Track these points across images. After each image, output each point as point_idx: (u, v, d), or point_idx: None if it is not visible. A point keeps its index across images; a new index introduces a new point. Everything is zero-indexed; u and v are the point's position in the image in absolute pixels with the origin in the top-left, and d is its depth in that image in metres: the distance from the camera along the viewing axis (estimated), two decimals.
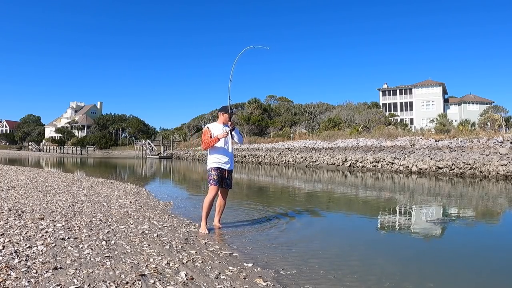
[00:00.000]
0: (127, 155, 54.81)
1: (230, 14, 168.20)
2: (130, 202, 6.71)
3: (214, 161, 4.63)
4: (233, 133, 4.65)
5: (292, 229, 4.88)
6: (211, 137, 4.60)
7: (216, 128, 4.68)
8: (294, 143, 29.72)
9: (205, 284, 2.69)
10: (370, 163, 18.71)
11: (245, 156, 31.81)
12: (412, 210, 6.91)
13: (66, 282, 2.51)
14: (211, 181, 4.56)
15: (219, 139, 4.54)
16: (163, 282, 2.64)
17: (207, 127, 4.70)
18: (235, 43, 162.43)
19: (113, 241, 3.68)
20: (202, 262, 3.21)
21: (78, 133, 78.32)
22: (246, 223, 5.22)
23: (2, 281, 2.43)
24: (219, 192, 4.71)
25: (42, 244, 3.37)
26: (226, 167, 4.66)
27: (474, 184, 11.38)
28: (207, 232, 4.47)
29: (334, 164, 20.88)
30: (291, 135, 36.96)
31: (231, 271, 3.04)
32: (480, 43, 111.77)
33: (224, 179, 4.68)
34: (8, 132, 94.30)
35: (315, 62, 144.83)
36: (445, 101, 51.89)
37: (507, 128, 28.76)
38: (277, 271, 3.10)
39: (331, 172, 17.91)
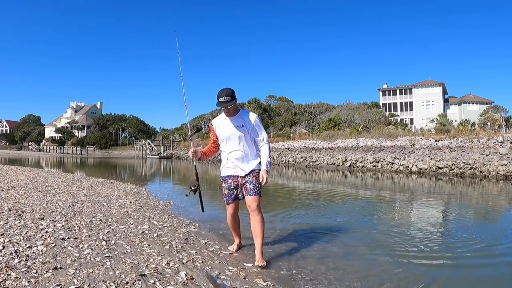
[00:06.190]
0: (127, 155, 54.77)
1: (230, 15, 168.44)
2: (130, 202, 6.71)
3: (223, 165, 3.52)
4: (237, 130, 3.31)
5: (292, 229, 4.88)
6: (212, 138, 3.55)
7: (223, 124, 3.42)
8: (294, 143, 29.71)
9: (205, 284, 2.68)
10: (370, 163, 18.71)
11: None
12: (412, 210, 6.91)
13: (66, 282, 2.51)
14: (223, 197, 3.50)
15: (192, 156, 3.57)
16: (163, 282, 2.64)
17: (211, 124, 3.55)
18: (235, 44, 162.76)
19: (113, 241, 3.68)
20: (202, 262, 3.21)
21: (78, 133, 78.31)
22: (245, 223, 5.21)
23: (2, 281, 2.42)
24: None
25: (42, 244, 3.37)
26: (240, 172, 3.39)
27: (474, 184, 11.38)
28: (234, 250, 3.71)
29: (334, 164, 20.88)
30: (291, 135, 36.93)
31: (231, 271, 3.04)
32: (480, 44, 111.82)
33: (241, 186, 3.40)
34: (8, 132, 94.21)
35: (315, 62, 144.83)
36: (445, 101, 51.90)
37: (507, 128, 28.73)
38: (277, 271, 3.10)
39: (331, 172, 17.91)
